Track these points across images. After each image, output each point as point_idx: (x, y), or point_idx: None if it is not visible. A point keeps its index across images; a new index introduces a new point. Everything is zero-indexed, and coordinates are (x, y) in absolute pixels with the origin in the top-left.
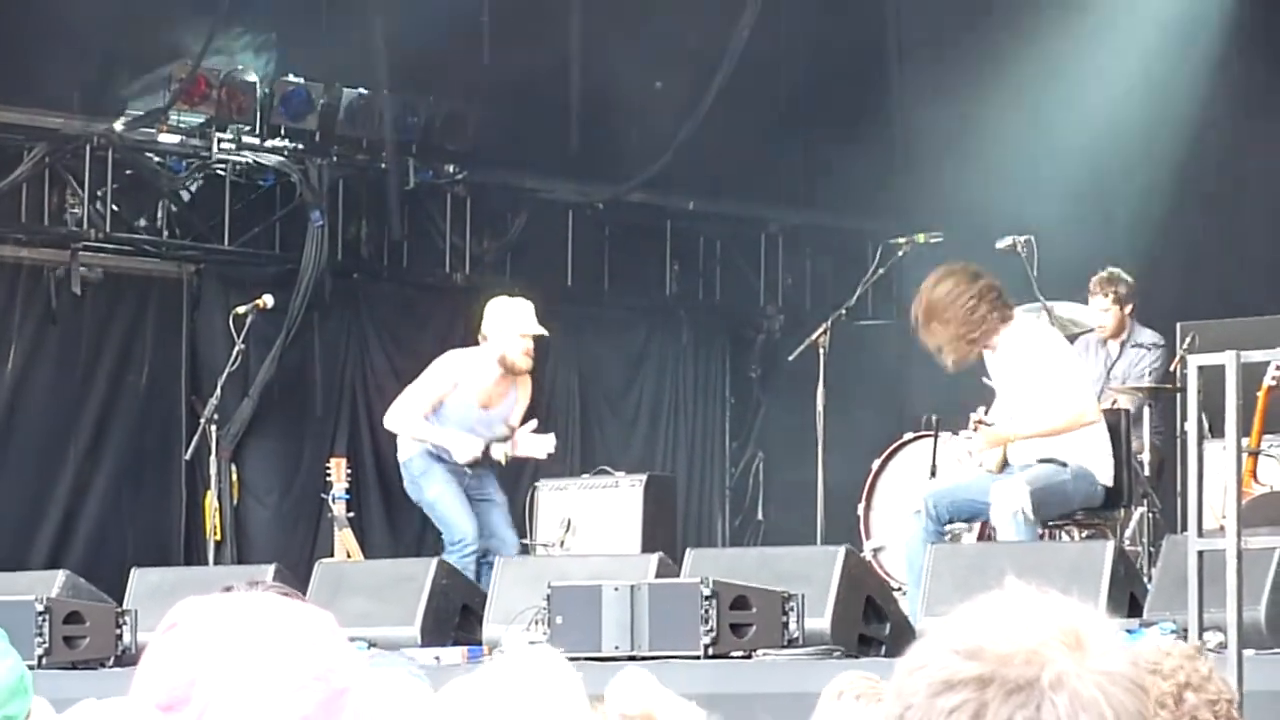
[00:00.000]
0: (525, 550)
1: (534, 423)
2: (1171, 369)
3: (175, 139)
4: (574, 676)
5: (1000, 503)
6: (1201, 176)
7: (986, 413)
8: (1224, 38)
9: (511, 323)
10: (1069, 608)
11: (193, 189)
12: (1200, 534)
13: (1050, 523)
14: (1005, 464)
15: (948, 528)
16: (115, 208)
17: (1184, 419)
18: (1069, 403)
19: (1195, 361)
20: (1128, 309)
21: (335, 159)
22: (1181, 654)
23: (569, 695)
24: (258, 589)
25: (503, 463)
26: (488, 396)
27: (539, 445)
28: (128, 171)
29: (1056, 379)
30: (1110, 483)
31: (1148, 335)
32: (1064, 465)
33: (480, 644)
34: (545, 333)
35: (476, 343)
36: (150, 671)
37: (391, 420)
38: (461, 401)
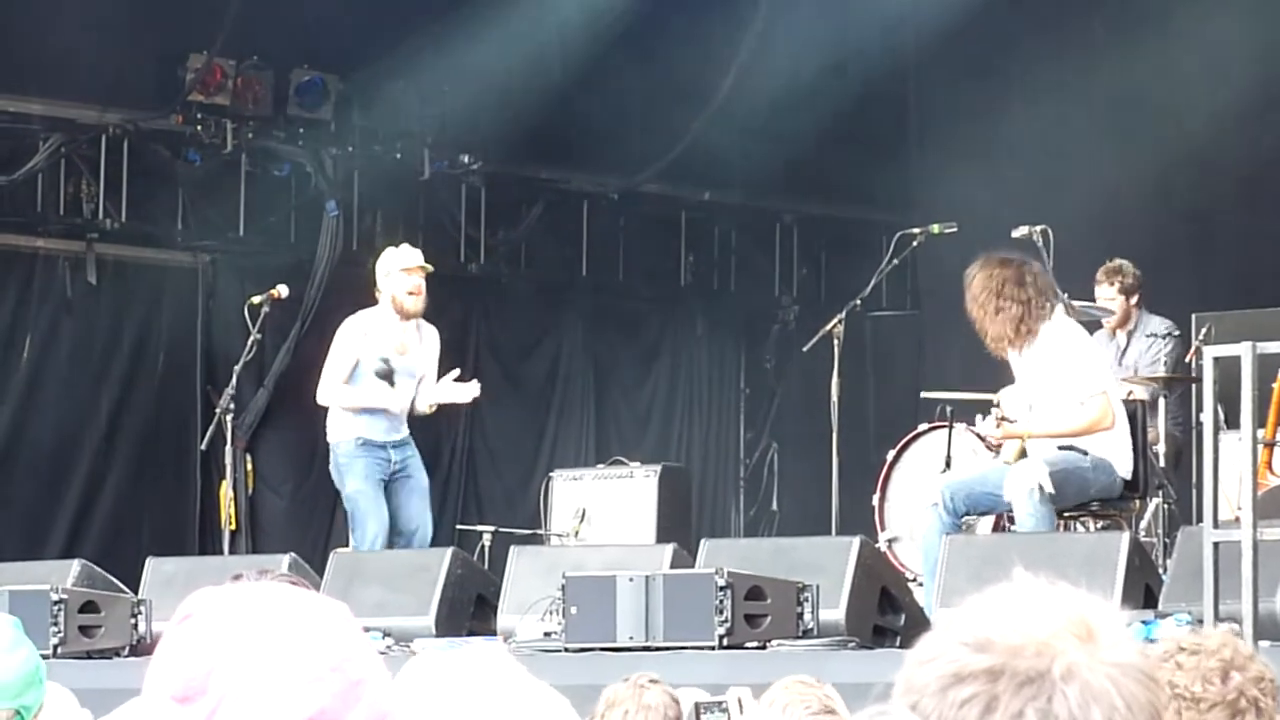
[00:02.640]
0: (537, 540)
1: (456, 371)
2: (1187, 360)
3: (190, 129)
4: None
5: (1016, 478)
6: (1217, 166)
7: (999, 403)
8: None
9: (392, 264)
10: (1079, 599)
11: (208, 179)
12: (1216, 525)
13: (1066, 514)
14: (1024, 456)
15: (963, 520)
16: (130, 198)
17: (1200, 410)
18: (1091, 408)
19: (1211, 352)
20: (1133, 299)
21: (350, 149)
22: (1223, 633)
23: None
24: (267, 578)
25: (429, 411)
26: (400, 344)
27: (464, 391)
28: (143, 161)
29: (1084, 383)
30: (1130, 476)
31: (1158, 323)
32: (1084, 454)
33: (495, 634)
34: (428, 268)
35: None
36: (166, 663)
37: (320, 396)
38: (374, 354)
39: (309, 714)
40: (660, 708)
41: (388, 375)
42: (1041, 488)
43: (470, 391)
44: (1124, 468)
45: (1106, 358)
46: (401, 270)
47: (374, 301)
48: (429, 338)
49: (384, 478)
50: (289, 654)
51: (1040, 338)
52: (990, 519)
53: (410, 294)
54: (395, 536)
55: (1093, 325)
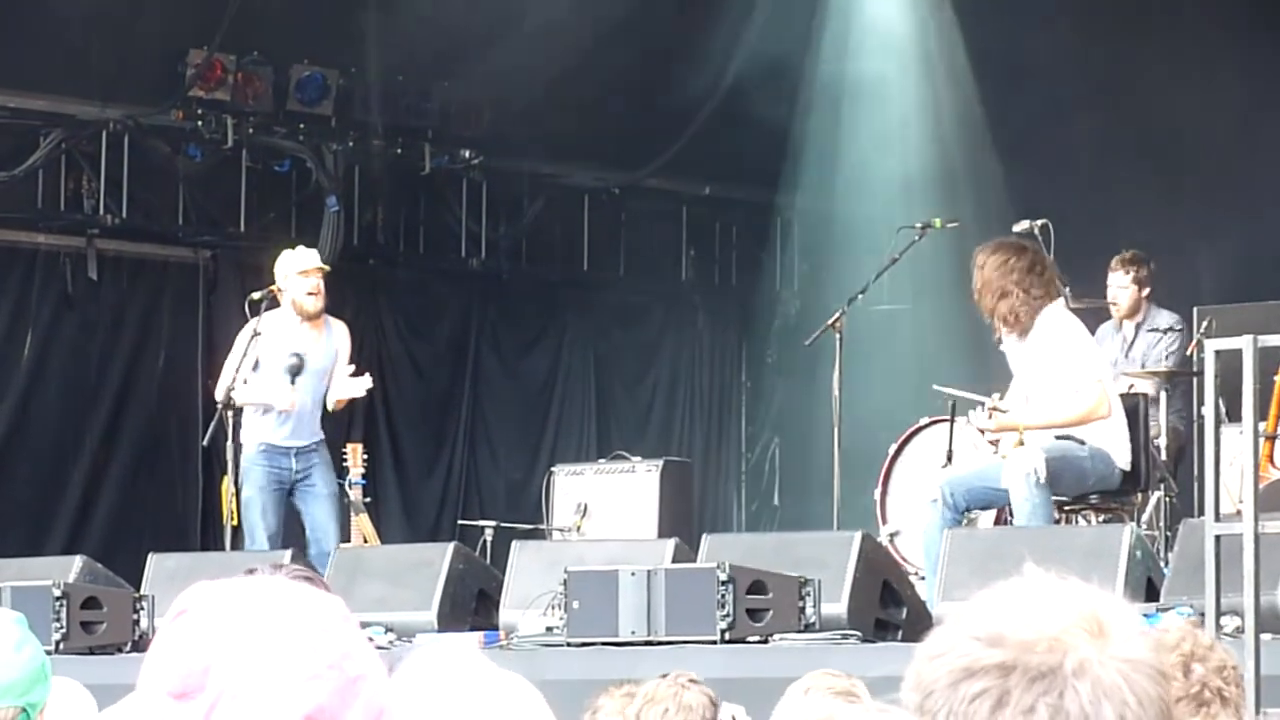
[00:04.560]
0: (539, 535)
1: (352, 367)
2: (1189, 353)
3: (191, 124)
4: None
5: (1013, 465)
6: (1219, 160)
7: (1001, 398)
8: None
9: (289, 266)
10: (1090, 594)
11: (208, 175)
12: (1217, 518)
13: (1067, 506)
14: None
15: (965, 515)
16: (131, 193)
17: (1201, 403)
18: (1086, 397)
19: (1213, 346)
20: (1145, 291)
21: (351, 144)
22: (1181, 627)
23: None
24: (281, 573)
25: (334, 409)
26: (302, 346)
27: (356, 385)
28: (144, 157)
29: (1079, 372)
30: (1128, 467)
31: (1165, 318)
32: (1081, 443)
33: (497, 629)
34: (325, 268)
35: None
36: (162, 659)
37: (217, 393)
38: (275, 354)
39: (307, 711)
40: (699, 708)
41: (296, 370)
42: (1037, 471)
43: (364, 384)
44: (1122, 459)
45: (1110, 350)
46: (298, 274)
47: (378, 297)
48: (338, 334)
49: (284, 484)
50: (287, 650)
51: (1039, 327)
52: (992, 513)
53: (309, 294)
54: (304, 543)
55: (1102, 313)
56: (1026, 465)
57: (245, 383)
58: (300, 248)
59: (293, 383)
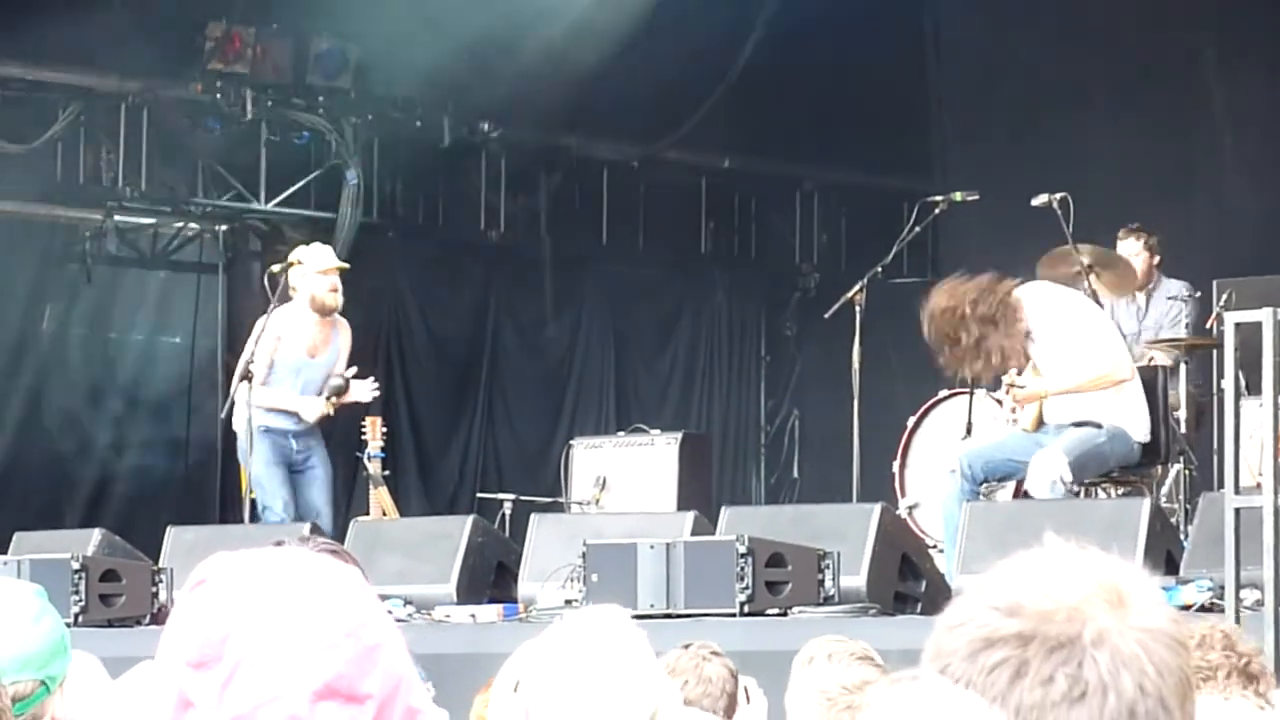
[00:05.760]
0: (558, 508)
1: (354, 369)
2: (1208, 325)
3: (210, 97)
4: (639, 636)
5: (1038, 472)
6: (1237, 133)
7: (1019, 373)
8: None
9: (311, 264)
10: (1110, 564)
11: (227, 147)
12: (1237, 491)
13: (1087, 480)
14: (1041, 422)
15: (983, 487)
16: (150, 166)
17: (1221, 376)
18: (1099, 357)
19: (1232, 318)
20: (1156, 259)
21: (370, 117)
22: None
23: (636, 654)
24: (308, 545)
25: (330, 412)
26: (312, 344)
27: (361, 390)
28: (163, 130)
29: (1082, 335)
30: (1147, 439)
31: (1176, 285)
32: (1099, 427)
33: (516, 602)
34: (345, 265)
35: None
36: (180, 629)
37: (236, 394)
38: (289, 354)
39: (325, 679)
40: (719, 681)
41: (339, 392)
42: (1063, 480)
43: (368, 389)
44: (1140, 432)
45: (1125, 320)
46: (319, 273)
47: (397, 270)
48: (343, 332)
49: (287, 462)
50: (304, 620)
51: (1030, 322)
52: (1011, 486)
53: (331, 291)
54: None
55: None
56: (1052, 473)
57: (263, 383)
58: (317, 244)
59: (329, 399)
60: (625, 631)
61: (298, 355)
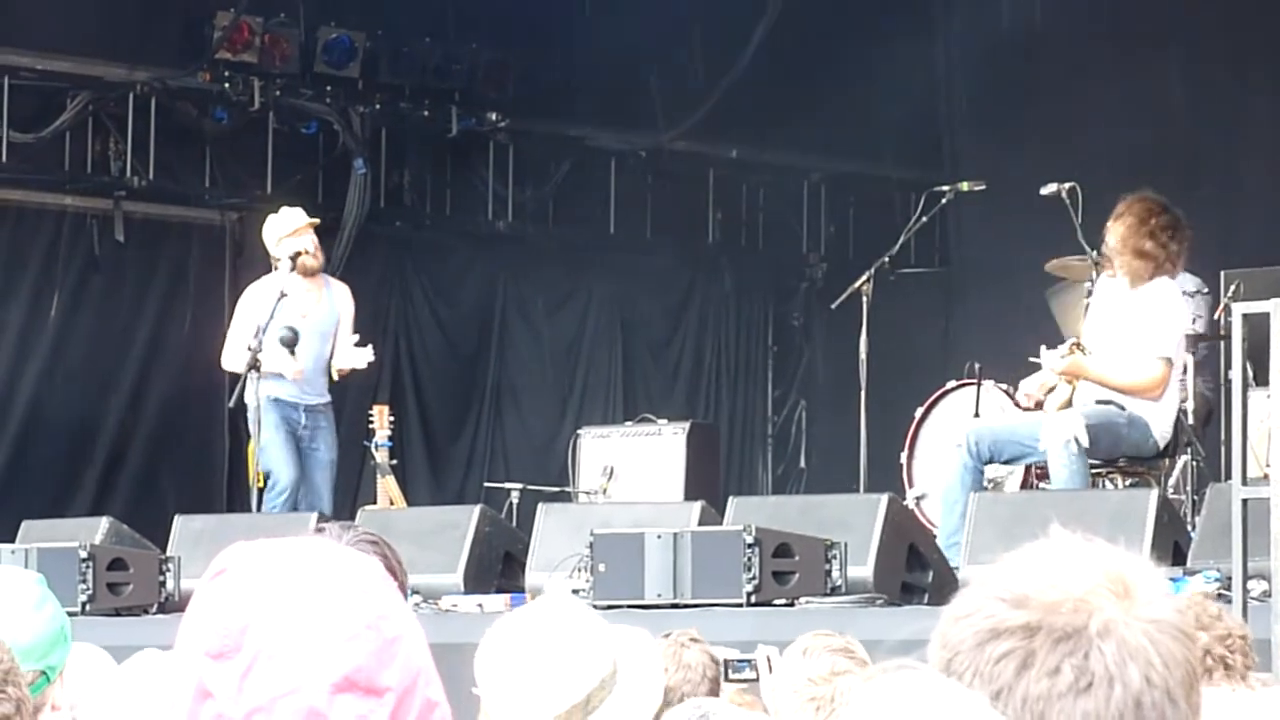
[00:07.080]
0: (565, 497)
1: (356, 336)
2: (1215, 316)
3: (218, 87)
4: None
5: (1053, 428)
6: (1246, 123)
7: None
8: None
9: (279, 229)
10: (1116, 556)
11: (235, 137)
12: (1245, 482)
13: (1094, 469)
14: (1069, 407)
15: (987, 469)
16: (158, 156)
17: (1228, 367)
18: (1149, 371)
19: (1240, 309)
20: None
21: (378, 107)
22: (1190, 596)
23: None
24: (349, 535)
25: (335, 378)
26: (303, 306)
27: (359, 356)
28: (170, 119)
29: (1157, 344)
30: (1165, 440)
31: (1189, 281)
32: (1122, 409)
33: (523, 591)
34: (315, 221)
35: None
36: (200, 618)
37: (224, 362)
38: (282, 320)
39: (344, 671)
40: (699, 667)
41: (291, 343)
42: (1077, 440)
43: (366, 356)
44: (1160, 429)
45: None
46: (289, 236)
47: (405, 260)
48: (339, 296)
49: (295, 434)
50: (324, 611)
51: (1151, 288)
52: (1019, 477)
53: (306, 252)
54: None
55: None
56: (1067, 431)
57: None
58: (283, 209)
59: (291, 353)
60: (567, 615)
61: (290, 320)
